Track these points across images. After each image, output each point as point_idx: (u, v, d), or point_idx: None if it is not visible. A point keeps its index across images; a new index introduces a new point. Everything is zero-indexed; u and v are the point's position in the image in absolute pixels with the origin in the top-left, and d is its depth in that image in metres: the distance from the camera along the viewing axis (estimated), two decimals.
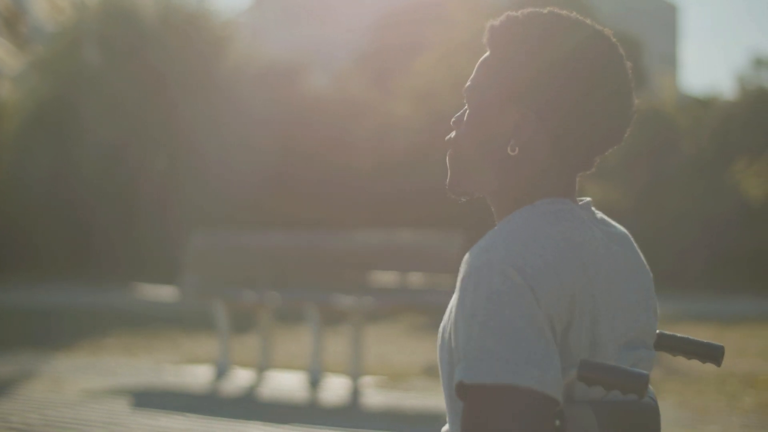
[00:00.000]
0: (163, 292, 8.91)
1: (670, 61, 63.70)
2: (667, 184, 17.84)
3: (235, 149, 18.39)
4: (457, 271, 1.69)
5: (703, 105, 19.85)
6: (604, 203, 17.63)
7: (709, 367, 8.54)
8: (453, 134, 1.81)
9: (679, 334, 1.95)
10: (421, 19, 23.10)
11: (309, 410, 6.89)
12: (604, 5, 26.84)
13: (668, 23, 69.33)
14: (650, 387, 1.74)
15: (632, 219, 17.27)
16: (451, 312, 1.66)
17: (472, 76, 1.80)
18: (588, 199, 1.80)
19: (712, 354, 1.92)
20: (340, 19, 46.75)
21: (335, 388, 7.62)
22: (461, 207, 16.23)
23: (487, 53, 1.80)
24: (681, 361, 8.92)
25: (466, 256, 1.61)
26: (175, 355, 9.32)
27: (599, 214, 1.80)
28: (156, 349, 9.71)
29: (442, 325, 1.71)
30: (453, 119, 1.82)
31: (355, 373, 7.84)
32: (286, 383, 7.86)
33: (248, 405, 7.09)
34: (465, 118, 1.79)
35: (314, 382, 7.85)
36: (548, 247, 1.60)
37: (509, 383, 1.49)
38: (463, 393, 1.55)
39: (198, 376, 8.18)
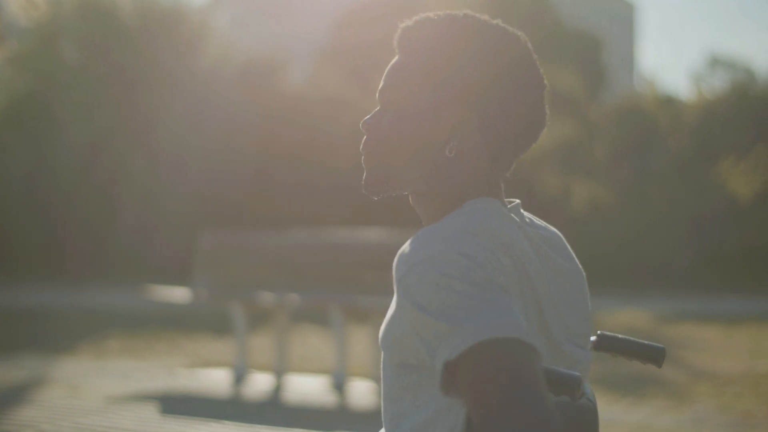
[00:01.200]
0: (176, 294, 8.69)
1: (628, 60, 64.13)
2: (651, 182, 17.83)
3: (215, 148, 18.14)
4: None
5: (682, 103, 19.86)
6: (591, 202, 17.62)
7: (735, 367, 8.48)
8: (366, 138, 1.79)
9: (620, 335, 1.91)
10: (383, 15, 23.06)
11: (338, 415, 6.72)
12: (563, 4, 26.84)
13: (626, 22, 69.83)
14: (589, 388, 1.76)
15: (618, 217, 17.29)
16: (393, 320, 1.61)
17: (384, 80, 1.79)
18: (517, 201, 1.79)
19: (654, 356, 1.88)
20: (298, 19, 46.55)
21: (361, 392, 7.45)
22: None
23: (402, 56, 1.78)
24: (704, 362, 8.85)
25: (398, 258, 1.59)
26: (181, 358, 9.10)
27: (528, 216, 1.80)
28: (159, 352, 9.48)
29: (380, 333, 1.65)
30: (364, 122, 1.79)
31: (379, 376, 7.68)
32: (308, 387, 7.68)
33: (275, 410, 6.91)
34: (385, 121, 1.77)
35: (339, 386, 7.67)
36: (480, 240, 1.60)
37: (488, 338, 1.46)
38: (453, 375, 1.49)
39: (216, 380, 7.97)
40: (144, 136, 18.02)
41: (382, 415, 1.72)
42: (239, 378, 8.03)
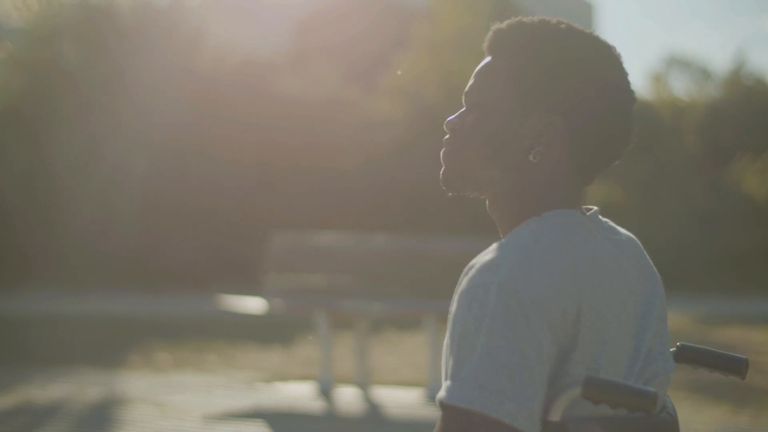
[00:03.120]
0: (248, 302, 8.25)
1: None
2: (663, 181, 17.63)
3: (216, 148, 17.66)
4: None
5: (687, 103, 19.72)
6: (605, 202, 17.38)
7: None
8: (448, 136, 1.79)
9: (700, 346, 1.88)
10: (341, 18, 22.92)
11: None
12: (523, 3, 26.68)
13: (585, 21, 70.19)
14: (669, 401, 1.75)
15: (631, 217, 17.04)
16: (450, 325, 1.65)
17: (473, 81, 1.78)
18: (595, 208, 1.78)
19: (736, 367, 1.84)
20: (259, 22, 46.04)
21: None
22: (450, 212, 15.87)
23: (492, 57, 1.78)
24: None
25: (468, 270, 1.61)
26: (240, 370, 8.65)
27: (606, 222, 1.79)
28: (210, 364, 9.02)
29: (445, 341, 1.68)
30: (447, 121, 1.79)
31: None
32: (406, 400, 7.29)
33: (385, 427, 6.55)
34: (469, 120, 1.77)
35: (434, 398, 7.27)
36: (556, 265, 1.59)
37: (480, 411, 1.50)
38: (440, 410, 1.55)
39: (304, 394, 7.54)
40: (145, 136, 17.49)
41: None
42: (325, 391, 7.61)
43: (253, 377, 8.26)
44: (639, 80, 20.55)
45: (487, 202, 1.80)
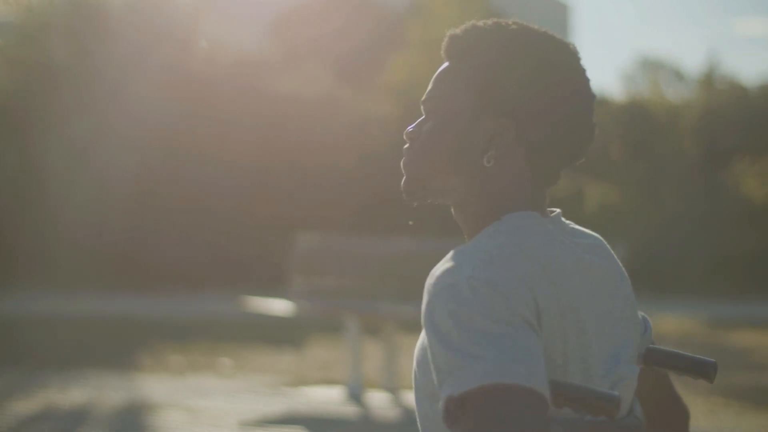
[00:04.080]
0: (274, 304, 8.03)
1: None
2: (661, 183, 17.53)
3: (208, 147, 17.39)
4: None
5: (685, 104, 19.65)
6: (603, 203, 17.27)
7: None
8: (407, 145, 1.77)
9: (668, 349, 1.85)
10: (315, 17, 22.77)
11: None
12: (497, 3, 26.59)
13: (560, 22, 70.20)
14: (637, 404, 1.73)
15: (630, 220, 16.93)
16: (423, 339, 1.64)
17: (430, 87, 1.77)
18: (558, 210, 1.76)
19: (705, 370, 1.82)
20: (231, 22, 45.74)
21: None
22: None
23: (448, 63, 1.76)
24: None
25: (429, 279, 1.59)
26: (258, 373, 8.43)
27: (571, 225, 1.77)
28: (225, 367, 8.78)
29: (416, 350, 1.69)
30: (408, 130, 1.77)
31: None
32: None
33: None
34: (427, 129, 1.75)
35: None
36: (515, 261, 1.58)
37: (494, 382, 1.46)
38: (454, 410, 1.48)
39: (335, 399, 7.33)
40: (138, 135, 17.18)
41: None
42: (355, 396, 7.40)
43: (276, 381, 8.04)
44: (614, 81, 20.49)
45: (452, 208, 1.78)
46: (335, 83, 19.25)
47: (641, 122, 18.27)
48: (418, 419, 1.71)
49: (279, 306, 7.96)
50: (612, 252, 1.79)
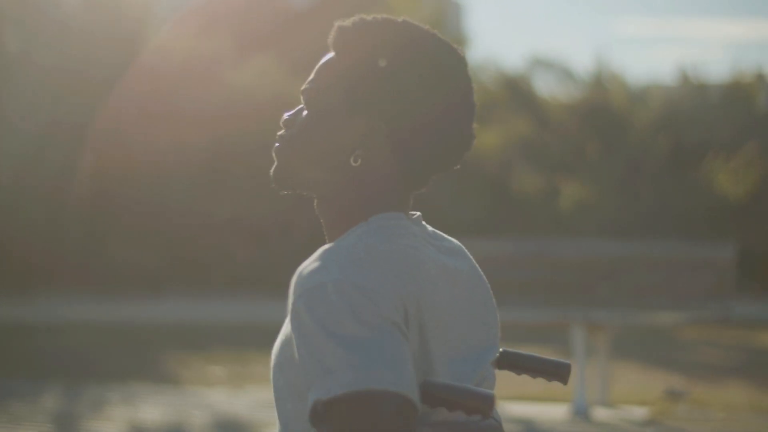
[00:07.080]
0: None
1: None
2: (637, 181, 17.51)
3: (165, 146, 16.91)
4: None
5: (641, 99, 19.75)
6: (580, 201, 17.20)
7: None
8: (283, 132, 1.76)
9: (523, 352, 1.87)
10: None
11: None
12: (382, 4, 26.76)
13: (453, 21, 70.80)
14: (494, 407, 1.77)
15: (607, 216, 16.82)
16: (285, 338, 1.63)
17: (312, 77, 1.75)
18: (418, 213, 1.75)
19: (559, 372, 1.84)
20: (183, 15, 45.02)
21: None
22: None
23: (332, 55, 1.75)
24: None
25: (295, 278, 1.58)
26: None
27: (430, 228, 1.77)
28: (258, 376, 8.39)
29: (274, 350, 1.68)
30: (284, 118, 1.76)
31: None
32: (552, 416, 6.77)
33: None
34: (301, 120, 1.74)
35: (581, 413, 6.75)
36: (383, 264, 1.58)
37: (363, 389, 1.47)
38: (322, 413, 1.49)
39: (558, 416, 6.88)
40: (91, 132, 16.60)
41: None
42: (579, 413, 6.79)
43: None
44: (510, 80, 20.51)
45: (314, 201, 1.77)
46: (288, 78, 18.92)
47: (603, 119, 18.27)
48: (278, 420, 1.67)
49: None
50: (471, 257, 1.78)
